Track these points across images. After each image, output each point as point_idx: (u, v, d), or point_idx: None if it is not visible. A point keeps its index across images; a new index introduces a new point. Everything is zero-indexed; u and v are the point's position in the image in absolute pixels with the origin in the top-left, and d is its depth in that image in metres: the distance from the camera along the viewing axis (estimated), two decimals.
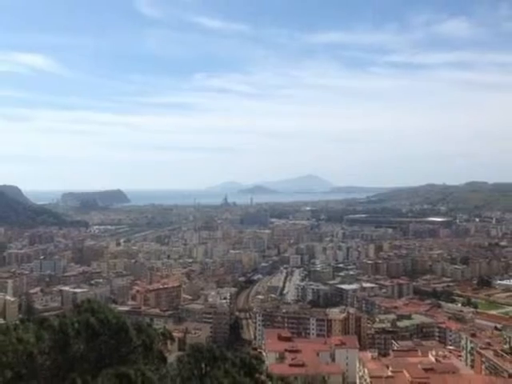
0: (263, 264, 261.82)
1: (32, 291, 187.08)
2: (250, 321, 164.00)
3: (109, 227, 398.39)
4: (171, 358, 17.16)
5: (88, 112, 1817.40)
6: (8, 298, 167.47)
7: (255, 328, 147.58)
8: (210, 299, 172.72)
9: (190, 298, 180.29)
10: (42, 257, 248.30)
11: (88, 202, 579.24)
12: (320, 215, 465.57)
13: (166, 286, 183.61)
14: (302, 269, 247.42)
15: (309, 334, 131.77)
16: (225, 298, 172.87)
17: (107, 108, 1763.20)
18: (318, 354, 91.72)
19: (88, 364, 14.12)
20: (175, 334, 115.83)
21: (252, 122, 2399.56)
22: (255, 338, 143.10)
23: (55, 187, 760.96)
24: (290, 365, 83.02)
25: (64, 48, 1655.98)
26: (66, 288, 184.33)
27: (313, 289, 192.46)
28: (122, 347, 14.82)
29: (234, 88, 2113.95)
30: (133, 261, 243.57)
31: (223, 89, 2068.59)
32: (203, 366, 14.78)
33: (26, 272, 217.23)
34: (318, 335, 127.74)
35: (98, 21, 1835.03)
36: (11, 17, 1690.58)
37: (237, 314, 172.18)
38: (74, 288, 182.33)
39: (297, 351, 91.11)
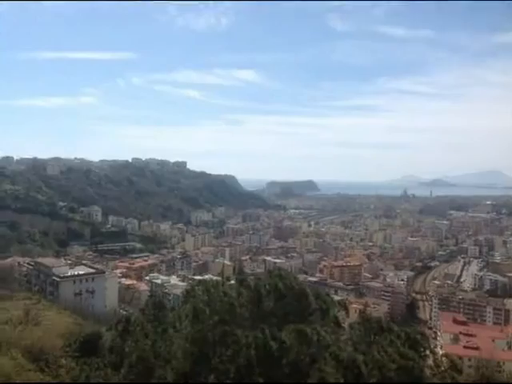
0: (440, 252, 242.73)
1: (243, 258, 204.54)
2: (425, 303, 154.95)
3: (302, 211, 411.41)
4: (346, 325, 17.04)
5: (287, 116, 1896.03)
6: (226, 261, 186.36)
7: (431, 310, 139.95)
8: (388, 279, 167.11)
9: (369, 276, 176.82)
10: (250, 232, 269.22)
11: (286, 190, 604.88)
12: (501, 209, 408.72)
13: (348, 264, 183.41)
14: (480, 260, 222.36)
15: (484, 321, 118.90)
16: (402, 280, 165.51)
17: (303, 112, 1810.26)
18: (493, 341, 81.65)
19: (275, 319, 14.83)
20: (356, 306, 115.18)
21: (433, 120, 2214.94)
22: (430, 318, 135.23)
23: (262, 177, 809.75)
24: (465, 347, 75.57)
25: (270, 64, 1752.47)
26: (268, 258, 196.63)
27: (491, 279, 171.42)
28: (302, 309, 15.24)
29: (414, 89, 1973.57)
30: (321, 240, 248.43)
31: (403, 90, 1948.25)
32: (372, 334, 14.42)
33: (239, 243, 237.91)
34: (494, 323, 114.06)
35: (297, 38, 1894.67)
36: (231, 40, 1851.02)
37: (413, 295, 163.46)
38: (275, 259, 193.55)
39: (471, 335, 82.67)
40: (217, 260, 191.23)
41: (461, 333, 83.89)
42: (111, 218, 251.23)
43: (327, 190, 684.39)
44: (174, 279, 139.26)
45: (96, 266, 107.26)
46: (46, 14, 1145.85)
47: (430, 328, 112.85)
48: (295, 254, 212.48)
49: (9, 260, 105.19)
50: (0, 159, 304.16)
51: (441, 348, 67.71)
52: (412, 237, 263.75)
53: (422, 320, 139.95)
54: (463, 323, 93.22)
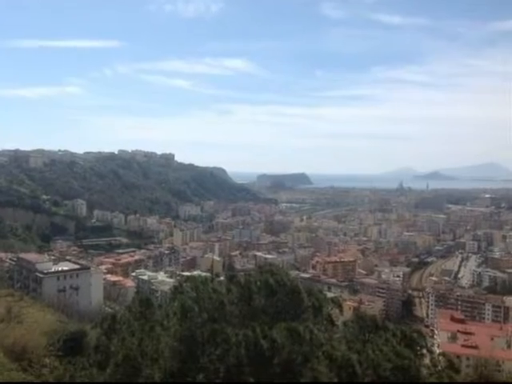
0: (437, 247, 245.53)
1: (233, 254, 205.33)
2: (422, 300, 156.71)
3: (294, 205, 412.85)
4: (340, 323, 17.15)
5: (279, 106, 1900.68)
6: (215, 257, 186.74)
7: (427, 307, 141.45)
8: (384, 276, 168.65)
9: (364, 272, 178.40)
10: (241, 226, 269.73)
11: (277, 183, 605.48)
12: (501, 203, 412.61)
13: (342, 260, 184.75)
14: (478, 255, 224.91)
15: (483, 318, 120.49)
16: (398, 276, 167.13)
17: (295, 102, 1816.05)
18: (492, 339, 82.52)
19: (266, 316, 14.86)
20: (350, 304, 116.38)
21: (429, 111, 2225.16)
22: (427, 316, 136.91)
23: (252, 169, 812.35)
24: (463, 345, 76.22)
25: (261, 52, 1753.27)
26: (259, 253, 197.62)
27: (490, 275, 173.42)
28: (294, 306, 15.30)
29: (410, 78, 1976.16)
30: (313, 235, 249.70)
31: (400, 80, 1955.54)
32: (366, 332, 14.53)
33: (229, 238, 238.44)
34: (493, 321, 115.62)
35: (289, 26, 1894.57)
36: (221, 28, 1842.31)
37: (409, 292, 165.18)
38: (266, 254, 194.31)
39: (470, 333, 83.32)
40: (206, 255, 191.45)
41: (459, 331, 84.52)
42: (96, 212, 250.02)
43: (320, 183, 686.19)
44: (161, 275, 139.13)
45: (80, 261, 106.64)
46: (29, 0, 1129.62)
47: (427, 326, 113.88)
48: (287, 250, 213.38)
49: None
50: None
51: (438, 347, 68.27)
52: (408, 231, 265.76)
53: (418, 318, 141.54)
54: (461, 321, 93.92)
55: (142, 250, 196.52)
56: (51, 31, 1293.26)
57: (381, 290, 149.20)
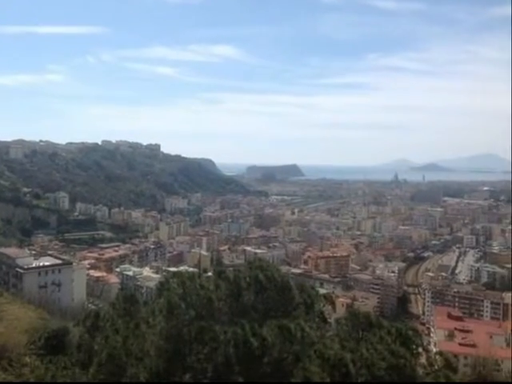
0: (434, 242, 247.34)
1: (221, 248, 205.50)
2: (418, 296, 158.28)
3: (285, 197, 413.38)
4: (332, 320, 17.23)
5: (269, 95, 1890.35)
6: (203, 252, 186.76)
7: (424, 304, 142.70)
8: (378, 271, 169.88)
9: (357, 268, 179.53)
10: (229, 220, 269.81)
11: (268, 175, 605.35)
12: (499, 196, 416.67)
13: (335, 255, 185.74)
14: (476, 250, 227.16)
15: (481, 315, 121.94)
16: (393, 272, 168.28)
17: (286, 90, 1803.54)
18: (490, 337, 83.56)
19: (256, 313, 14.92)
20: (343, 300, 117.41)
21: (425, 100, 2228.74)
22: (423, 313, 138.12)
23: (241, 161, 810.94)
24: (460, 344, 76.99)
25: (250, 38, 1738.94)
26: (249, 248, 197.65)
27: (488, 271, 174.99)
28: (285, 303, 15.36)
29: (406, 66, 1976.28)
30: (305, 229, 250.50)
31: (396, 67, 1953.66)
32: (360, 330, 14.63)
33: (217, 232, 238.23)
34: (491, 318, 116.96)
35: (281, 11, 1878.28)
36: (208, 14, 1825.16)
37: (405, 288, 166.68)
38: (255, 249, 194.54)
39: (467, 331, 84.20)
40: (193, 250, 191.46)
41: (456, 329, 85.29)
42: (79, 205, 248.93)
43: (312, 174, 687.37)
44: (146, 271, 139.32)
45: (63, 256, 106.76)
46: None
47: (423, 323, 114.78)
48: (277, 244, 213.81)
49: None
50: None
51: (434, 345, 69.10)
52: (403, 225, 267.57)
53: (414, 315, 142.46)
54: (459, 318, 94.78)
55: (127, 245, 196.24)
56: (32, 17, 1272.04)
57: (375, 286, 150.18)
